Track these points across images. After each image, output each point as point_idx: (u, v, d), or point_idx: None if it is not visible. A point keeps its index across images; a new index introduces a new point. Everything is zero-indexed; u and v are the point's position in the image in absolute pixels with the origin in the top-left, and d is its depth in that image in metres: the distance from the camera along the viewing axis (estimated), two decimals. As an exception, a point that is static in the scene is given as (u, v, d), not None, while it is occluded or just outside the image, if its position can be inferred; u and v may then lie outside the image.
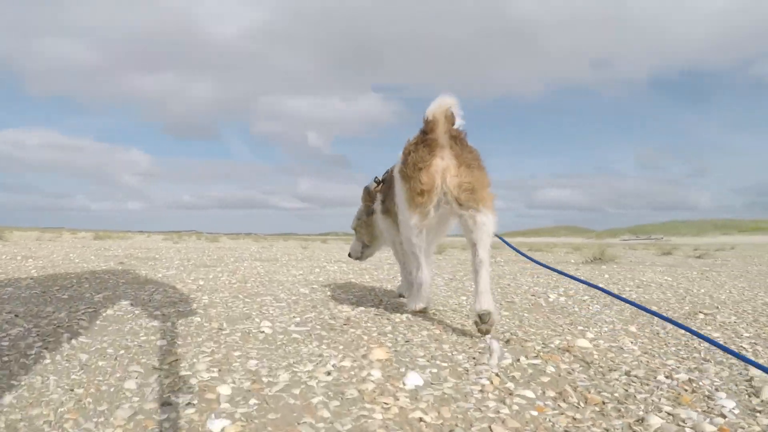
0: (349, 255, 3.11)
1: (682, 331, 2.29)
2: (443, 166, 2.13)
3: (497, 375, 1.64)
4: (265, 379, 1.55)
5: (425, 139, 2.17)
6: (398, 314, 2.53)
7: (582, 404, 1.43)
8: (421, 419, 1.31)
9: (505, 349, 1.92)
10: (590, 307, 2.96)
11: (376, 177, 2.81)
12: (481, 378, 1.62)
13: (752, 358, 1.89)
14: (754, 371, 1.68)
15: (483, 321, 2.07)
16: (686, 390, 1.53)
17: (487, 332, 2.12)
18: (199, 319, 2.38)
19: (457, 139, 2.19)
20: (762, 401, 1.45)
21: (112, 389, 1.44)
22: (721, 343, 2.08)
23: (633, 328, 2.39)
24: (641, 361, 1.83)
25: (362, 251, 3.07)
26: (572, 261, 7.97)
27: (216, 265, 5.53)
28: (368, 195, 2.89)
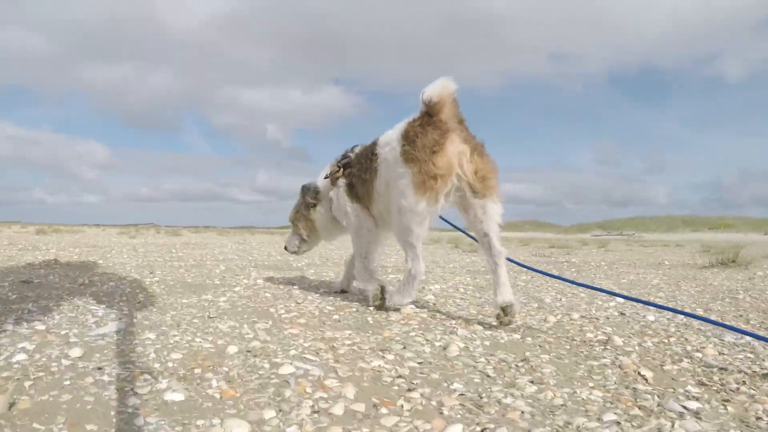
0: (285, 249, 3.02)
1: None
2: (459, 150, 2.05)
3: None
4: None
5: (432, 121, 2.07)
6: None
7: None
8: None
9: None
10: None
11: (337, 159, 2.63)
12: None
13: None
14: None
15: (506, 313, 2.04)
16: None
17: (509, 324, 2.06)
18: None
19: (462, 123, 2.15)
20: None
21: None
22: None
23: None
24: None
25: (299, 245, 2.98)
26: (692, 263, 6.35)
27: (210, 285, 3.21)
28: (308, 191, 2.81)
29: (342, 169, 2.57)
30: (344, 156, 2.60)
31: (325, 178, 2.75)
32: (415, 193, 2.05)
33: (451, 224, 2.50)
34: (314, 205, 2.80)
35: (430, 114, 2.08)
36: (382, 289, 2.40)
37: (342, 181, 2.58)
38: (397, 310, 2.37)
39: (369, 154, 2.38)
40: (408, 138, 2.09)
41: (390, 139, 2.22)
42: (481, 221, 2.11)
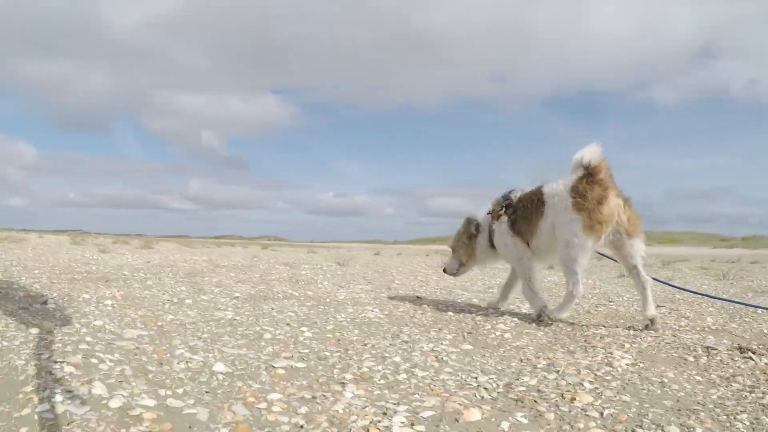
0: (444, 271, 3.56)
1: None
2: (618, 203, 2.67)
3: None
4: None
5: (596, 180, 2.65)
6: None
7: None
8: None
9: None
10: None
11: (499, 200, 3.22)
12: None
13: None
14: None
15: (653, 323, 2.75)
16: None
17: (656, 330, 2.71)
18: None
19: (613, 179, 2.74)
20: None
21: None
22: None
23: None
24: None
25: (458, 269, 3.49)
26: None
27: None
28: (472, 223, 3.37)
29: (505, 209, 3.12)
30: (506, 198, 3.16)
31: (487, 213, 3.29)
32: (585, 233, 2.66)
33: (605, 255, 3.22)
34: (476, 236, 3.33)
35: (592, 174, 2.66)
36: (545, 307, 2.93)
37: (504, 219, 3.12)
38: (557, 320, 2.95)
39: (535, 200, 2.95)
40: (578, 192, 2.68)
41: (557, 191, 2.81)
42: (632, 256, 2.79)
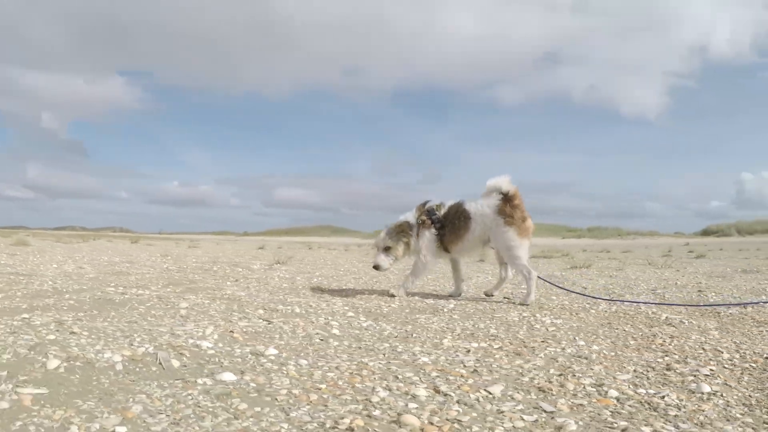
0: (376, 267, 3.99)
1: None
2: (529, 217, 3.73)
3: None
4: None
5: (515, 204, 3.66)
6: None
7: None
8: None
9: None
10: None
11: (422, 211, 4.00)
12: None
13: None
14: None
15: (488, 294, 4.03)
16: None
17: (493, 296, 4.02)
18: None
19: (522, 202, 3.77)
20: None
21: None
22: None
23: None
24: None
25: (391, 264, 4.03)
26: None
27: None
28: (410, 228, 4.00)
29: (432, 222, 3.94)
30: (432, 212, 3.97)
31: (417, 221, 3.99)
32: (520, 239, 3.64)
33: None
34: (410, 238, 3.99)
35: (511, 199, 3.66)
36: (407, 292, 4.06)
37: (432, 229, 3.92)
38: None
39: (462, 217, 3.82)
40: (505, 213, 3.66)
41: (483, 211, 3.72)
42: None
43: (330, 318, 2.85)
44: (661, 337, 2.60)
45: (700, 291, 4.62)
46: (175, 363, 1.77)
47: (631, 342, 2.50)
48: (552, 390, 1.70)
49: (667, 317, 3.17)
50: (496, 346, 2.32)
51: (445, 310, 3.37)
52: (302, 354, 2.05)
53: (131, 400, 1.43)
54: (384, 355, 2.12)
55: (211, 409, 1.41)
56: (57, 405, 1.35)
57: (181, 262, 7.39)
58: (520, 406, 1.54)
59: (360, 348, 2.23)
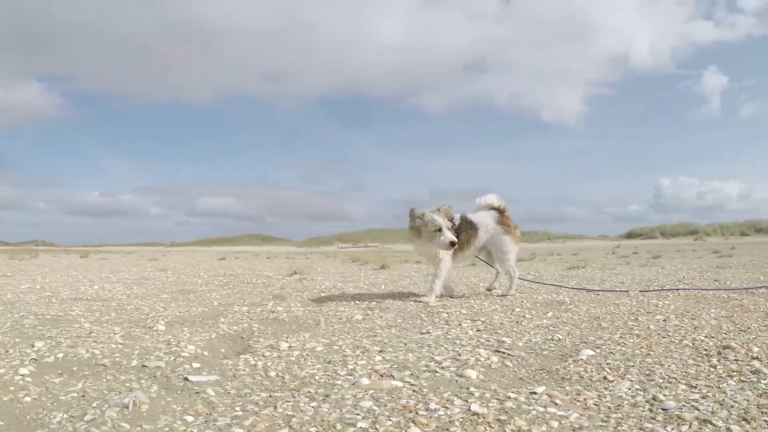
0: (453, 244, 4.12)
1: None
2: (517, 227, 4.46)
3: None
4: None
5: (505, 216, 4.38)
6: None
7: None
8: None
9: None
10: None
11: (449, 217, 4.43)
12: None
13: None
14: None
15: (489, 289, 4.76)
16: None
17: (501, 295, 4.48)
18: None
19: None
20: None
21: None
22: None
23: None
24: None
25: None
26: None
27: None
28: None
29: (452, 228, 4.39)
30: (452, 220, 4.33)
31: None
32: (514, 244, 4.35)
33: (481, 258, 4.75)
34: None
35: (502, 212, 4.38)
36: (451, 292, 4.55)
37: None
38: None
39: (470, 228, 4.29)
40: (503, 223, 4.36)
41: (487, 223, 4.33)
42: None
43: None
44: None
45: (716, 281, 5.36)
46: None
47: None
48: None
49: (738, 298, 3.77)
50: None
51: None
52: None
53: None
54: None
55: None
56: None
57: (196, 276, 7.10)
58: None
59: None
